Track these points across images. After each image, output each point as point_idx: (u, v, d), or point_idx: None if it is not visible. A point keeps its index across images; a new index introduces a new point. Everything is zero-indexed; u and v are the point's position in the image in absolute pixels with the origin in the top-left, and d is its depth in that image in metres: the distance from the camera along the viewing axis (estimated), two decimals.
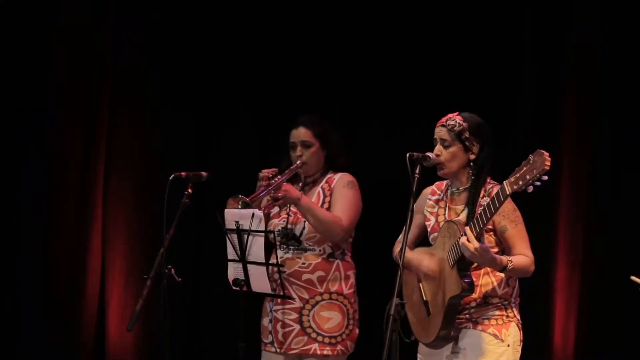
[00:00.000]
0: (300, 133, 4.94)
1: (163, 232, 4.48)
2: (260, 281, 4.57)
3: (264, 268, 4.54)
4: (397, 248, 4.55)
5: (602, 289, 5.81)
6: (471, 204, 4.22)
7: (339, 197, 4.87)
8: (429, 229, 4.41)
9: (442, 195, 4.42)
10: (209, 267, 6.35)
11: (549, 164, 3.80)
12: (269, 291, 4.64)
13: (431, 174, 4.33)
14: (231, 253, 4.59)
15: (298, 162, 4.90)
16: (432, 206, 4.43)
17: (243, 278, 4.57)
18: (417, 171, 4.14)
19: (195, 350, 6.55)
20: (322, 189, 4.93)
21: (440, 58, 6.20)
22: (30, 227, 6.49)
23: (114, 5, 6.59)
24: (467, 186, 4.30)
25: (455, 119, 4.27)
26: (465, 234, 4.03)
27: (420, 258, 4.33)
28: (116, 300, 6.51)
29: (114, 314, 6.50)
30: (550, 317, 5.87)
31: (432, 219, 4.40)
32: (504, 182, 3.93)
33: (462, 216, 4.25)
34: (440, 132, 4.29)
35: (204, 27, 6.60)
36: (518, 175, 3.88)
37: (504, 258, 4.12)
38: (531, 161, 3.85)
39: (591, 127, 5.89)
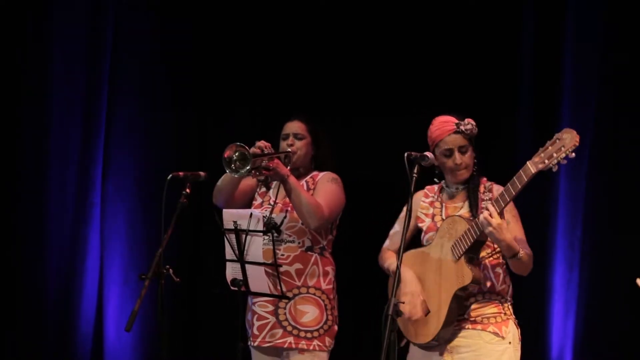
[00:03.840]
0: (295, 125, 4.99)
1: (161, 232, 4.47)
2: (258, 281, 4.57)
3: (262, 268, 4.53)
4: (383, 254, 4.54)
5: (600, 289, 5.80)
6: (472, 197, 4.22)
7: (322, 189, 4.87)
8: (424, 229, 4.41)
9: (436, 196, 4.42)
10: (207, 267, 6.35)
11: (578, 139, 3.82)
12: (267, 291, 4.63)
13: (428, 175, 4.34)
14: (229, 253, 4.58)
15: (289, 149, 4.93)
16: (426, 208, 4.43)
17: (241, 278, 4.56)
18: (415, 171, 4.13)
19: (193, 351, 6.54)
20: (306, 182, 4.94)
21: (438, 55, 6.20)
22: (28, 227, 6.49)
23: (114, 2, 6.59)
24: (466, 185, 4.30)
25: (470, 123, 4.24)
26: (488, 210, 4.00)
27: (409, 280, 4.27)
28: (114, 300, 6.51)
29: (112, 314, 6.49)
30: (548, 317, 5.87)
31: (428, 220, 4.40)
32: (527, 162, 3.94)
33: (463, 211, 4.25)
34: (455, 140, 4.25)
35: (203, 25, 6.60)
36: (542, 154, 3.90)
37: (517, 245, 4.10)
38: (558, 139, 3.86)
39: (590, 126, 5.89)
